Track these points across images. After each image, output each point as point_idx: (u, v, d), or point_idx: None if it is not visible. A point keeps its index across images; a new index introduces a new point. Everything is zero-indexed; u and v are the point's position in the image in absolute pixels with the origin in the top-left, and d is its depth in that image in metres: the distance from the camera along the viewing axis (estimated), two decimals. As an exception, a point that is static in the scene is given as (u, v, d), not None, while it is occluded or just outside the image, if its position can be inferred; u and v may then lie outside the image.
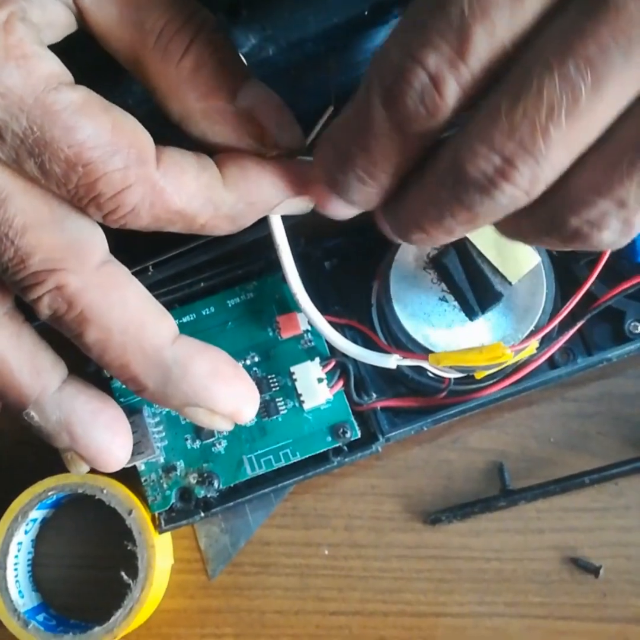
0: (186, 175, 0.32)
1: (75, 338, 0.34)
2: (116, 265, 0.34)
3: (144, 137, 0.31)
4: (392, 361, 0.41)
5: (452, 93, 0.25)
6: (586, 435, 0.49)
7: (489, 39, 0.24)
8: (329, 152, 0.30)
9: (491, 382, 0.46)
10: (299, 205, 0.36)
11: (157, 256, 0.44)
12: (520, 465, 0.49)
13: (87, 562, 0.50)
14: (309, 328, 0.47)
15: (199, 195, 0.32)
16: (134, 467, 0.47)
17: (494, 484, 0.49)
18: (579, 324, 0.45)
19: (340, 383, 0.46)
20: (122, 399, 0.47)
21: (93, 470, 0.47)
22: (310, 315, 0.42)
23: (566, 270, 0.46)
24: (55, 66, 0.30)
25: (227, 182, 0.33)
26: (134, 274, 0.44)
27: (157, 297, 0.47)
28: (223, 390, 0.36)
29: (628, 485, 0.48)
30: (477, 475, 0.49)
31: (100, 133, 0.30)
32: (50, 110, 0.29)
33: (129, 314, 0.34)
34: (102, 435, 0.37)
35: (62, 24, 0.32)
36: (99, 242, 0.34)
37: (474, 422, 0.49)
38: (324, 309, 0.47)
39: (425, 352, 0.42)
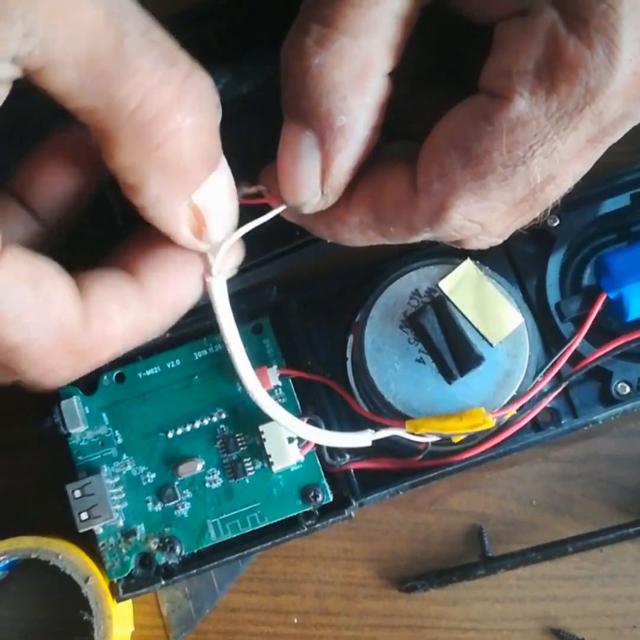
0: (112, 323, 0.30)
1: None
2: None
3: (67, 298, 0.29)
4: (366, 438, 0.39)
5: None
6: (570, 498, 0.47)
7: None
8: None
9: (471, 443, 0.43)
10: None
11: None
12: (501, 529, 0.47)
13: (43, 627, 0.47)
14: (280, 384, 0.45)
15: (126, 336, 0.31)
16: (91, 530, 0.44)
17: (472, 548, 0.46)
18: (564, 385, 0.43)
19: (312, 443, 0.44)
20: (80, 457, 0.44)
21: (50, 534, 0.44)
22: (265, 407, 0.38)
23: (550, 326, 0.44)
24: None
25: (150, 301, 0.31)
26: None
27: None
28: None
29: (613, 552, 0.46)
30: (455, 538, 0.47)
31: (23, 315, 0.27)
32: None
33: None
34: None
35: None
36: None
37: (452, 483, 0.47)
38: (296, 364, 0.45)
39: (402, 417, 0.40)
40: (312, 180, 0.32)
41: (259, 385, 0.37)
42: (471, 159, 0.30)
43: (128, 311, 0.31)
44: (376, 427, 0.40)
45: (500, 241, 0.35)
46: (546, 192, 0.31)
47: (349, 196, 0.33)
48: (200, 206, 0.30)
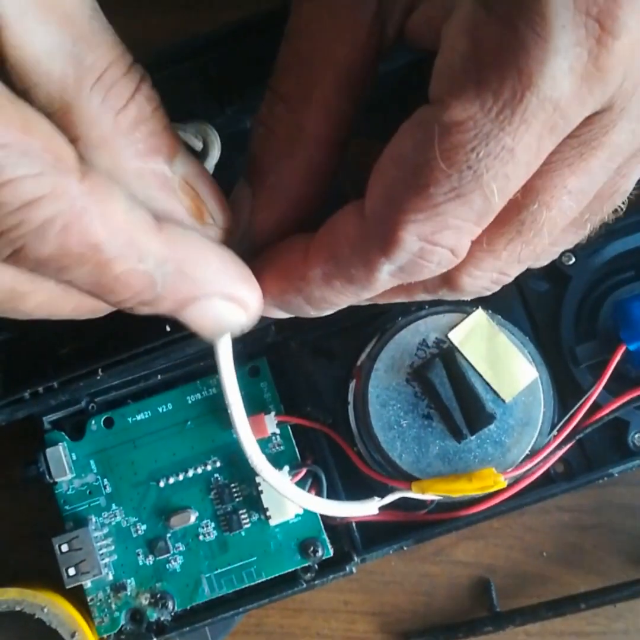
0: (115, 203, 0.26)
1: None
2: None
3: (64, 144, 0.25)
4: (373, 507, 0.37)
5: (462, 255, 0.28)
6: (582, 549, 0.45)
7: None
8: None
9: (480, 496, 0.41)
10: (232, 315, 0.30)
11: (108, 357, 0.40)
12: (509, 582, 0.45)
13: (28, 681, 0.45)
14: (278, 431, 0.42)
15: (124, 233, 0.26)
16: (80, 584, 0.42)
17: (479, 602, 0.44)
18: (579, 436, 0.41)
19: (312, 494, 0.41)
20: (67, 506, 0.42)
21: (35, 586, 0.42)
22: (268, 479, 0.36)
23: (564, 371, 0.42)
24: None
25: (164, 234, 0.27)
26: (82, 376, 0.40)
27: (107, 390, 0.43)
28: None
29: (628, 608, 0.44)
30: (461, 591, 0.45)
31: (5, 129, 0.24)
32: None
33: None
34: None
35: None
36: None
37: (458, 533, 0.44)
38: (295, 408, 0.43)
39: (408, 477, 0.37)
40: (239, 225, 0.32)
41: (268, 464, 0.35)
42: (410, 170, 0.26)
43: (136, 210, 0.27)
44: (380, 488, 0.38)
45: (498, 278, 0.30)
46: (529, 207, 0.27)
47: (306, 250, 0.31)
48: (187, 178, 0.30)
